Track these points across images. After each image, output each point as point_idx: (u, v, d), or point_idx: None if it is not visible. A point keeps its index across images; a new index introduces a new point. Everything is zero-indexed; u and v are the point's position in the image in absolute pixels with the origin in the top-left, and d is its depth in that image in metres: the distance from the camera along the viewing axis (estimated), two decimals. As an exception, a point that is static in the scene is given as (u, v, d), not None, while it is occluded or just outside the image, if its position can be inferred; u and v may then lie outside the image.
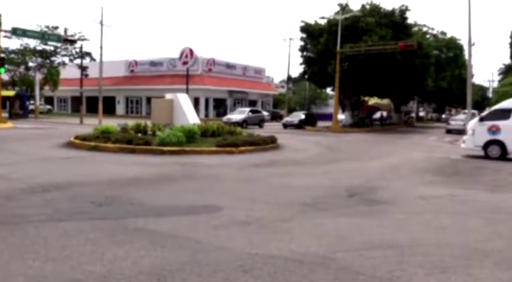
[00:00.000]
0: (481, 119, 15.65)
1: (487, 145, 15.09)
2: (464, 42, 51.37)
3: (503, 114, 15.00)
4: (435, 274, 3.96)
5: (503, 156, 14.74)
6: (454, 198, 7.81)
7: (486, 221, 6.10)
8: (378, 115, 45.99)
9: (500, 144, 14.81)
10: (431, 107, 79.21)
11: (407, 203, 7.19)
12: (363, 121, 39.30)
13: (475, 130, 15.44)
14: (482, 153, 15.14)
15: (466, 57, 33.49)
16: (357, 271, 3.96)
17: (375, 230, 5.40)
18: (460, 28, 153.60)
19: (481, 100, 74.30)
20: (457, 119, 36.29)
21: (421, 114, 71.91)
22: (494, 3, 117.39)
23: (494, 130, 14.92)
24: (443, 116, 71.67)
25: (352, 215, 6.19)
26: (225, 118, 33.69)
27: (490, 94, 78.34)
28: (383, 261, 4.24)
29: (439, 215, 6.39)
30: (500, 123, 14.84)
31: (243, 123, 31.11)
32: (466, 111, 31.73)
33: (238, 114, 34.62)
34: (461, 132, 29.35)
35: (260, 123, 34.79)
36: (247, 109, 37.07)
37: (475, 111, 46.35)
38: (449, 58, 52.63)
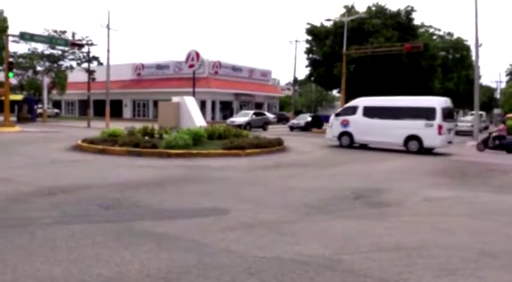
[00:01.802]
0: (337, 115, 18.61)
1: (340, 136, 18.25)
2: (471, 43, 51.11)
3: (352, 110, 18.09)
4: (443, 276, 3.93)
5: (351, 144, 17.90)
6: (461, 200, 7.77)
7: (494, 223, 6.06)
8: None
9: (349, 135, 17.97)
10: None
11: (413, 205, 7.16)
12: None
13: (333, 124, 18.60)
14: (337, 142, 18.24)
15: (473, 58, 33.30)
16: (363, 274, 3.95)
17: (381, 232, 5.38)
18: (467, 29, 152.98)
19: (489, 101, 73.59)
20: (465, 121, 35.83)
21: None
22: (501, 4, 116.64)
23: (345, 123, 18.07)
24: None
25: (359, 217, 6.17)
26: (228, 121, 33.52)
27: (497, 95, 77.83)
28: (390, 264, 4.22)
29: (446, 217, 6.36)
30: (349, 118, 17.95)
31: (247, 126, 30.96)
32: (473, 112, 31.49)
33: (241, 117, 34.46)
34: (468, 133, 29.11)
35: (264, 125, 34.54)
36: (251, 112, 36.88)
37: (483, 113, 45.90)
38: (456, 59, 52.36)
